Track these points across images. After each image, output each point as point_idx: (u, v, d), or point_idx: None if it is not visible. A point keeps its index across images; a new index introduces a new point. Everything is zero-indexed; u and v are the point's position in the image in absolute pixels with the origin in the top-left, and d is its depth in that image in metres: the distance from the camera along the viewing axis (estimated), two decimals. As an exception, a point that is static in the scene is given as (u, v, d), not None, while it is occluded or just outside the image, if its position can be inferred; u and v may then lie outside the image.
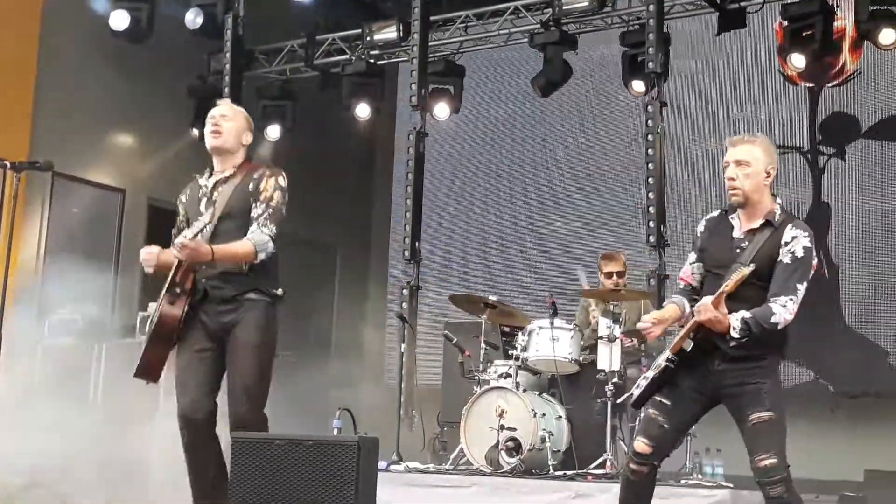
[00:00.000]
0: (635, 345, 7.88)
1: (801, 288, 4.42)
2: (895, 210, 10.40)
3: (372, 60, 11.17)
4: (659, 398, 4.67)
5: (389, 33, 10.76)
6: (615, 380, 7.51)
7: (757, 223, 4.59)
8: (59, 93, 10.15)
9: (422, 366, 9.86)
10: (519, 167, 12.36)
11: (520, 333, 8.09)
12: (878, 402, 9.76)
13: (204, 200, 5.08)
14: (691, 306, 4.65)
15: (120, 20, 10.53)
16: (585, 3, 9.76)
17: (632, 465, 4.74)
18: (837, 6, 9.95)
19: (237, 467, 5.55)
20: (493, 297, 8.29)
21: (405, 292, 9.86)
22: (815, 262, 4.51)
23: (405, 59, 10.99)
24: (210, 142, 5.12)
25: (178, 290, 4.91)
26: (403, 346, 9.55)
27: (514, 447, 7.41)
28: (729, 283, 4.38)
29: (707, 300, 4.42)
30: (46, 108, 10.01)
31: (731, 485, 7.33)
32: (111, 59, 10.58)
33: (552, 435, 7.51)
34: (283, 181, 5.08)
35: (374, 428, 6.48)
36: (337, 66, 11.40)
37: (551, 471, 7.36)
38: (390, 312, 11.87)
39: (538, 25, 10.41)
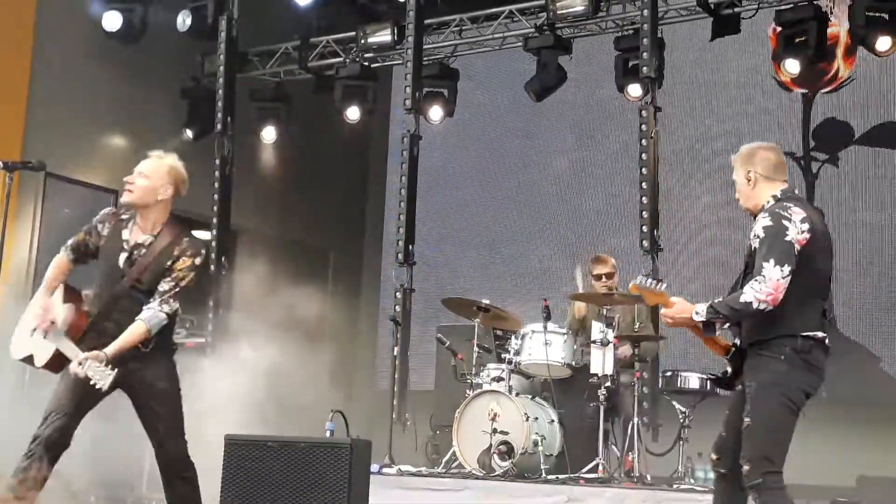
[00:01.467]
0: (627, 350, 7.88)
1: (767, 266, 4.42)
2: (888, 216, 10.40)
3: (366, 63, 11.16)
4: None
5: (384, 36, 10.76)
6: (608, 384, 7.52)
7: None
8: (53, 93, 10.13)
9: (415, 369, 9.86)
10: (512, 170, 12.36)
11: (513, 337, 8.09)
12: (872, 409, 9.76)
13: (122, 257, 5.08)
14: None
15: (113, 21, 10.53)
16: (580, 8, 9.76)
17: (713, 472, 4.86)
18: (831, 12, 9.96)
19: (229, 469, 5.55)
20: (486, 301, 8.30)
21: (398, 295, 9.86)
22: (788, 237, 4.47)
23: (399, 62, 10.99)
24: (122, 197, 5.17)
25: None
26: (396, 348, 9.55)
27: (507, 451, 7.41)
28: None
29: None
30: (39, 109, 9.98)
31: (723, 489, 7.31)
32: (105, 60, 10.56)
33: (545, 439, 7.51)
34: (199, 261, 5.16)
35: (366, 431, 6.48)
36: (331, 69, 11.39)
37: (544, 475, 7.36)
38: (383, 315, 11.86)
39: (532, 29, 10.41)
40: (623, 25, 10.28)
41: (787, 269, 4.41)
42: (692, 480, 7.50)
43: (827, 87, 10.88)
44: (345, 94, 11.11)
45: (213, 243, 10.62)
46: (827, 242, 4.65)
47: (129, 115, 10.75)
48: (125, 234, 5.14)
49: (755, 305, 4.40)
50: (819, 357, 4.55)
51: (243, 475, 5.49)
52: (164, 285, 5.03)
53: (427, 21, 10.56)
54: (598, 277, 8.26)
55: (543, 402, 7.96)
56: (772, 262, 4.41)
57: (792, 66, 9.27)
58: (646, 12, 9.15)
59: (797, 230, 4.48)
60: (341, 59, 11.31)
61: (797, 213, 4.52)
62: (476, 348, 8.28)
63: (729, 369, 4.72)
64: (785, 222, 4.48)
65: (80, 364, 4.71)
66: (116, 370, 4.71)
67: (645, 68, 9.04)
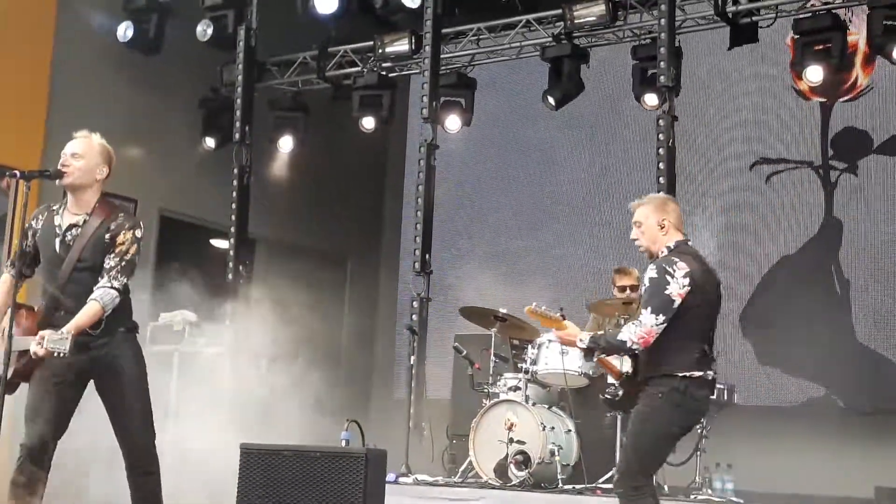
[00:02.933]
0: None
1: (645, 313, 4.98)
2: (907, 225, 10.37)
3: (384, 73, 11.19)
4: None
5: (401, 46, 10.77)
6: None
7: None
8: (72, 104, 10.19)
9: (431, 378, 9.85)
10: (531, 179, 12.35)
11: (529, 346, 8.08)
12: (889, 419, 9.71)
13: (57, 242, 5.09)
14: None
15: (130, 32, 10.59)
16: (597, 17, 9.76)
17: None
18: (850, 21, 9.93)
19: (245, 477, 5.56)
20: (503, 310, 8.29)
21: (415, 304, 9.85)
22: (668, 291, 4.96)
23: (417, 71, 11.00)
24: (62, 180, 5.14)
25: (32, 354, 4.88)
26: (413, 358, 9.54)
27: (523, 460, 7.40)
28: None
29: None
30: (59, 119, 10.03)
31: (741, 500, 7.31)
32: (123, 70, 10.62)
33: (561, 449, 7.50)
34: (139, 233, 5.14)
35: (383, 440, 6.49)
36: (349, 79, 11.41)
37: (560, 485, 7.35)
38: (400, 324, 11.86)
39: (550, 39, 10.41)
40: (640, 34, 10.26)
41: (661, 318, 4.94)
42: (709, 491, 7.47)
43: (845, 95, 10.84)
44: (362, 103, 11.12)
45: (231, 252, 10.66)
46: (709, 293, 5.13)
47: (148, 125, 10.80)
48: (57, 220, 5.14)
49: (629, 345, 4.99)
50: (696, 393, 5.03)
51: (258, 484, 5.50)
52: (109, 261, 5.01)
53: (444, 30, 10.57)
54: (623, 289, 8.24)
55: (560, 411, 7.94)
56: (649, 310, 4.96)
57: (814, 74, 9.19)
58: (663, 21, 9.12)
59: (679, 285, 4.97)
60: (359, 68, 11.34)
61: (680, 269, 5.00)
62: (493, 358, 8.27)
63: (620, 392, 5.31)
64: (668, 277, 4.98)
65: (38, 344, 4.69)
66: (72, 337, 4.65)
67: (662, 77, 9.03)
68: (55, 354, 4.67)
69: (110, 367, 5.03)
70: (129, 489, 5.12)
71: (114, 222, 5.11)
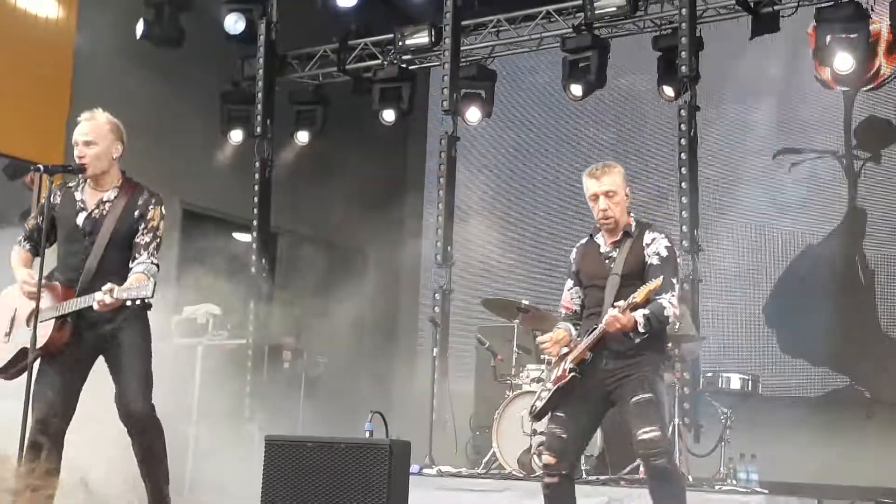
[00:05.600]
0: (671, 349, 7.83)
1: (676, 283, 4.98)
2: (932, 215, 10.30)
3: (404, 65, 11.19)
4: (555, 412, 5.08)
5: (421, 38, 10.76)
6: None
7: (618, 236, 5.16)
8: (95, 98, 10.10)
9: (454, 369, 9.86)
10: (552, 171, 12.31)
11: (552, 337, 8.05)
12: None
13: (82, 217, 5.12)
14: (576, 329, 5.17)
15: (151, 27, 10.61)
16: (617, 7, 9.72)
17: (545, 479, 5.08)
18: (872, 9, 9.85)
19: (269, 469, 5.58)
20: (525, 302, 8.28)
21: (437, 296, 9.87)
22: (679, 260, 5.09)
23: (437, 63, 11.00)
24: (83, 172, 5.17)
25: (67, 319, 4.98)
26: (436, 349, 9.54)
27: (547, 451, 7.38)
28: (639, 295, 4.76)
29: (614, 312, 4.79)
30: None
31: (765, 490, 7.28)
32: (145, 64, 10.65)
33: (585, 440, 7.48)
34: (164, 210, 5.21)
35: (406, 431, 6.49)
36: (369, 71, 11.42)
37: (584, 475, 7.33)
38: (422, 316, 11.87)
39: (570, 30, 10.38)
40: (661, 25, 10.22)
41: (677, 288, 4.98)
42: (734, 482, 7.44)
43: (868, 84, 10.76)
44: (383, 95, 11.13)
45: (254, 245, 10.70)
46: None
47: (170, 119, 10.84)
48: (78, 196, 5.18)
49: (671, 319, 4.94)
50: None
51: (283, 476, 5.51)
52: (143, 237, 5.06)
53: (464, 22, 10.56)
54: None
55: (583, 402, 7.92)
56: (674, 280, 4.97)
57: (843, 62, 9.04)
58: (684, 11, 9.09)
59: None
60: (379, 61, 11.34)
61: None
62: (515, 349, 8.27)
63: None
64: (675, 248, 5.10)
65: (107, 293, 4.74)
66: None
67: (683, 68, 8.99)
68: (135, 302, 4.72)
69: (115, 337, 5.04)
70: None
71: (141, 197, 5.16)
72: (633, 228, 5.15)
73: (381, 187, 12.99)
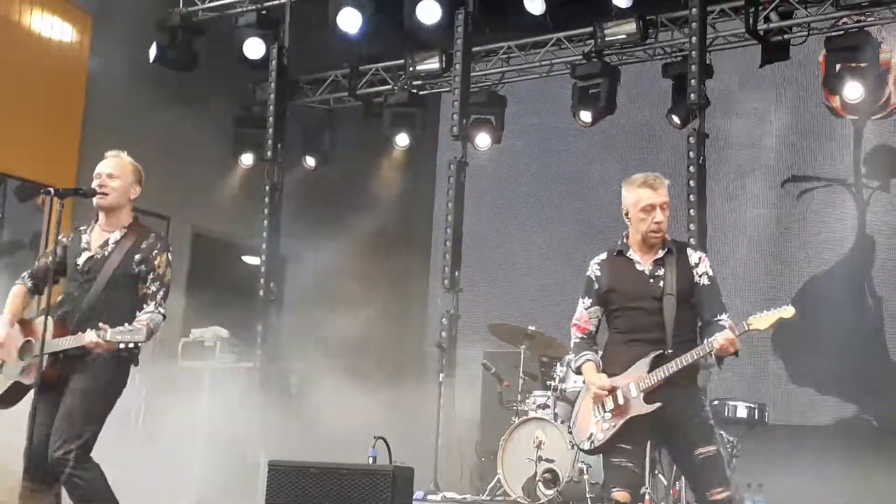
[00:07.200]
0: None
1: (724, 302, 4.80)
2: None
3: (414, 91, 11.24)
4: (618, 444, 4.74)
5: (432, 64, 10.82)
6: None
7: (658, 253, 4.84)
8: (107, 122, 10.28)
9: (460, 395, 9.85)
10: (560, 196, 12.33)
11: (558, 364, 8.07)
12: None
13: (84, 257, 5.17)
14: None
15: (163, 51, 10.68)
16: (627, 35, 9.76)
17: None
18: (883, 38, 9.87)
19: (272, 494, 5.58)
20: (532, 327, 8.28)
21: (444, 321, 9.87)
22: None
23: (447, 89, 11.05)
24: (97, 202, 5.23)
25: (59, 356, 4.98)
26: (442, 375, 9.54)
27: (552, 479, 7.38)
28: (763, 322, 4.67)
29: (729, 335, 4.63)
30: (94, 137, 10.13)
31: (771, 520, 7.25)
32: (157, 88, 10.71)
33: (590, 467, 7.46)
34: (170, 256, 5.24)
35: (411, 457, 6.50)
36: (380, 96, 11.48)
37: (589, 503, 7.31)
38: (429, 341, 11.87)
39: (580, 56, 10.42)
40: (671, 52, 10.26)
41: None
42: (740, 510, 7.43)
43: (878, 113, 10.77)
44: (393, 121, 11.20)
45: (262, 269, 10.72)
46: None
47: (181, 143, 10.87)
48: (85, 237, 5.24)
49: None
50: None
51: (286, 501, 5.52)
52: (151, 286, 5.11)
53: (475, 49, 10.62)
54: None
55: (589, 429, 7.91)
56: (722, 297, 4.80)
57: (852, 91, 9.09)
58: (694, 39, 9.11)
59: None
60: (390, 86, 11.40)
61: None
62: (522, 375, 8.27)
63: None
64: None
65: (98, 332, 4.76)
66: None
67: (693, 95, 9.01)
68: (127, 346, 4.74)
69: (70, 376, 5.01)
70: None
71: (145, 241, 5.20)
72: (672, 246, 4.88)
73: (389, 212, 13.02)
